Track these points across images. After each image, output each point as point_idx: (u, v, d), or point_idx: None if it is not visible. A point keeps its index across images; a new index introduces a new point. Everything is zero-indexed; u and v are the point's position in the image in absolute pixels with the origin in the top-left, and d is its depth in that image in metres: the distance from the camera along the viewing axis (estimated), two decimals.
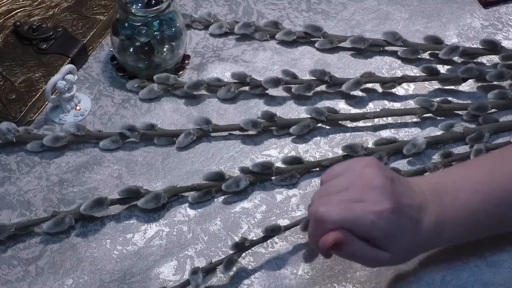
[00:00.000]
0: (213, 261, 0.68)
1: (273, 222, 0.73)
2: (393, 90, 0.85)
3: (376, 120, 0.82)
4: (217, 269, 0.68)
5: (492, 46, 0.87)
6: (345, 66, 0.88)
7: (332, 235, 0.58)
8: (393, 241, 0.60)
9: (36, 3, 0.90)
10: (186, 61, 0.87)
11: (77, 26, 0.87)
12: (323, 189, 0.62)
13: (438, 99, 0.83)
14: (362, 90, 0.85)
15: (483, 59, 0.88)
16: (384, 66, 0.88)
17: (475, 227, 0.65)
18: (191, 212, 0.74)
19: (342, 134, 0.81)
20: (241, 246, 0.68)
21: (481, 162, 0.69)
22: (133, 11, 0.80)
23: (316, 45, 0.89)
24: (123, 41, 0.83)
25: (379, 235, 0.59)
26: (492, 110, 0.82)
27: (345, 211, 0.59)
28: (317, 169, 0.77)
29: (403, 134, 0.81)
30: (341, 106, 0.84)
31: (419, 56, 0.88)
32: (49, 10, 0.89)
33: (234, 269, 0.69)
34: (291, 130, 0.80)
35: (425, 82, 0.86)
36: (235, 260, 0.68)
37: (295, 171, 0.76)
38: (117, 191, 0.73)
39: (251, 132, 0.80)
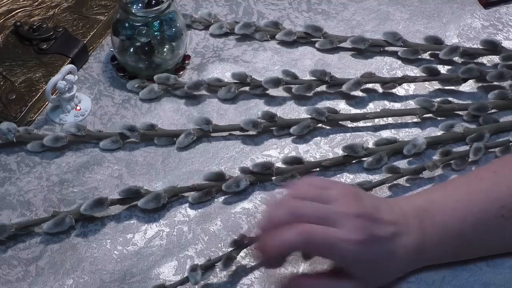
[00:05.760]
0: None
1: None
2: (394, 91, 0.85)
3: (376, 120, 0.82)
4: (216, 268, 0.68)
5: (492, 47, 0.87)
6: (345, 67, 0.88)
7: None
8: (361, 269, 0.60)
9: (36, 3, 0.90)
10: (187, 61, 0.87)
11: (77, 26, 0.87)
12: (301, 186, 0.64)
13: (438, 99, 0.83)
14: (362, 90, 0.85)
15: (484, 60, 0.88)
16: (385, 66, 0.88)
17: (456, 248, 0.65)
18: (192, 212, 0.74)
19: (342, 134, 0.81)
20: (240, 243, 0.68)
21: (458, 182, 0.69)
22: (133, 11, 0.80)
23: (316, 45, 0.89)
24: (123, 41, 0.83)
25: (347, 263, 0.60)
26: (493, 111, 0.82)
27: (317, 231, 0.59)
28: (318, 169, 0.77)
29: (403, 134, 0.81)
30: (342, 106, 0.84)
31: (420, 57, 0.88)
32: (50, 10, 0.89)
33: (234, 268, 0.69)
34: (291, 130, 0.80)
35: (426, 83, 0.86)
36: (234, 257, 0.68)
37: (296, 171, 0.76)
38: (117, 191, 0.73)
39: (251, 132, 0.80)
